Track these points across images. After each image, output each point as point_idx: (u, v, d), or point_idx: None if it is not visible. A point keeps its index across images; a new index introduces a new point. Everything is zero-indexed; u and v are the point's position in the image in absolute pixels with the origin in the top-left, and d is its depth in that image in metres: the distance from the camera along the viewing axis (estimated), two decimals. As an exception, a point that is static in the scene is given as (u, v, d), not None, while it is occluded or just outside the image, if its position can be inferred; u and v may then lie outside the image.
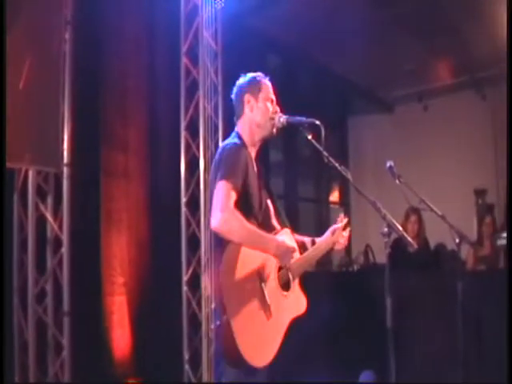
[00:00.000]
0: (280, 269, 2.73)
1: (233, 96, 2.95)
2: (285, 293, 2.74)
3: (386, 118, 9.76)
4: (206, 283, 2.61)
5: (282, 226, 2.89)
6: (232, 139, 2.84)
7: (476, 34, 6.93)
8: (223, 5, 5.60)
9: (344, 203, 9.67)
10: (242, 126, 2.89)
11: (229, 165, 2.64)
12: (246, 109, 2.87)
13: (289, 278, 2.77)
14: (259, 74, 2.96)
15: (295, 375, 4.69)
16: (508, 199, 3.79)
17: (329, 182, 9.57)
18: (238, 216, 2.55)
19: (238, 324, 2.44)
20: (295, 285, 2.83)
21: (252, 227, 2.61)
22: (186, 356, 5.33)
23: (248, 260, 2.57)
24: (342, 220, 3.03)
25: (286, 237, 2.81)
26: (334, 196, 9.80)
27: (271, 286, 2.66)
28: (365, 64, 7.84)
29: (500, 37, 6.28)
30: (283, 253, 2.68)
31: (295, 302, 2.83)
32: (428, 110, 9.20)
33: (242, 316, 2.48)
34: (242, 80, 2.95)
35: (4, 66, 3.76)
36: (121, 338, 5.01)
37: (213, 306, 2.53)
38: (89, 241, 4.81)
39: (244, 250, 2.55)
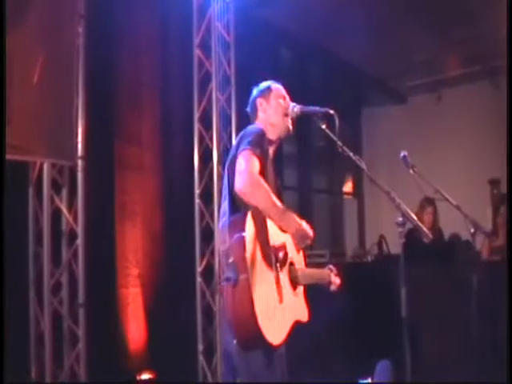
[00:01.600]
0: (291, 264, 2.70)
1: (248, 108, 2.98)
2: (292, 291, 2.70)
3: (400, 109, 9.70)
4: (226, 238, 2.46)
5: None
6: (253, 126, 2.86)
7: (489, 22, 6.84)
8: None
9: (358, 194, 9.64)
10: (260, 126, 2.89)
11: (253, 138, 2.62)
12: (259, 112, 2.90)
13: (297, 278, 2.74)
14: (270, 81, 2.98)
15: (311, 367, 4.69)
16: (508, 196, 3.77)
17: (342, 173, 9.53)
18: (264, 182, 2.51)
19: (256, 287, 2.34)
20: (301, 291, 2.81)
21: (276, 199, 2.56)
22: (201, 347, 5.36)
23: (272, 233, 2.54)
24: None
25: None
26: (348, 187, 9.77)
27: (284, 274, 2.62)
28: (377, 54, 7.78)
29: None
30: (301, 235, 2.65)
31: (301, 306, 2.80)
32: (441, 100, 9.13)
33: (260, 282, 2.38)
34: (254, 91, 2.97)
35: (4, 66, 3.76)
36: (135, 329, 5.05)
37: (230, 260, 2.38)
38: (103, 233, 4.84)
39: (269, 222, 2.53)
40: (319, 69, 8.53)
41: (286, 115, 2.85)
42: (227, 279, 2.38)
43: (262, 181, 2.51)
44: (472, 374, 3.91)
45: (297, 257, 2.80)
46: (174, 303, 5.22)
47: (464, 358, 4.21)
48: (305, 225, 2.67)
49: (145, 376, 4.94)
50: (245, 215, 2.45)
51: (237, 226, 2.46)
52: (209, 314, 5.35)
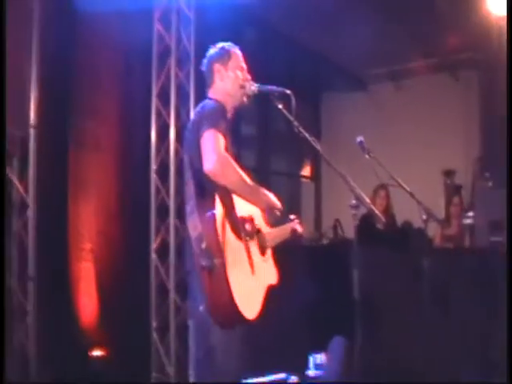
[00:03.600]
0: (258, 232, 2.73)
1: (203, 67, 2.93)
2: (262, 257, 2.76)
3: (360, 95, 9.75)
4: (197, 223, 2.47)
5: None
6: (208, 100, 2.82)
7: (451, 16, 6.93)
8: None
9: (315, 178, 9.69)
10: (213, 96, 2.86)
11: (214, 116, 2.62)
12: (216, 78, 2.85)
13: (265, 244, 2.78)
14: (229, 43, 2.93)
15: (267, 345, 4.71)
16: (508, 193, 3.84)
17: (301, 156, 9.55)
18: (232, 161, 2.53)
19: (231, 269, 2.39)
20: (269, 255, 2.85)
21: (246, 177, 2.60)
22: (154, 324, 5.32)
23: (240, 209, 2.57)
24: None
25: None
26: (306, 171, 9.81)
27: (253, 246, 2.67)
28: (339, 41, 7.79)
29: (475, 20, 6.31)
30: (271, 208, 2.71)
31: (270, 270, 2.85)
32: (401, 90, 9.23)
33: (234, 262, 2.43)
34: (211, 51, 2.93)
35: (4, 65, 3.66)
36: (87, 305, 4.97)
37: (203, 245, 2.39)
38: (56, 205, 4.74)
39: (236, 199, 2.55)
40: (281, 50, 8.48)
41: (243, 87, 2.83)
42: (202, 267, 2.40)
43: (230, 159, 2.53)
44: (421, 355, 3.99)
45: (264, 226, 2.84)
46: (127, 279, 5.16)
47: (413, 340, 4.29)
48: (273, 197, 2.75)
49: (96, 352, 4.89)
50: (212, 198, 2.46)
51: (206, 209, 2.46)
52: (163, 290, 5.30)
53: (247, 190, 2.60)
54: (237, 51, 2.91)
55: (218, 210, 2.44)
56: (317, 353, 4.22)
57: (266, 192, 2.72)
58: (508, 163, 4.34)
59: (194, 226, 2.49)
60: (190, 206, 2.61)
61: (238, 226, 2.55)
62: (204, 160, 2.50)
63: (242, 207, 2.62)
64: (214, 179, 2.49)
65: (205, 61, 2.92)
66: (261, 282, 2.68)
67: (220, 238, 2.39)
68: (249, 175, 2.96)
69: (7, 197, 4.23)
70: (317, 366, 3.24)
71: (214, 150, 2.49)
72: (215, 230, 2.39)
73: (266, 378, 2.60)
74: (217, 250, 2.37)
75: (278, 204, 2.74)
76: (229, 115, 2.86)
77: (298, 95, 2.77)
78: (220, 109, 2.70)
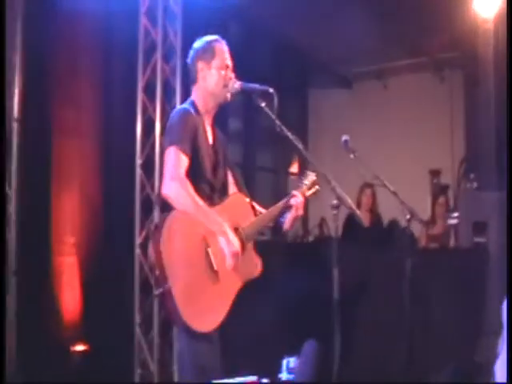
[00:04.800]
0: (235, 230, 2.70)
1: (188, 60, 2.91)
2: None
3: (345, 93, 9.77)
4: (150, 251, 2.55)
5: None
6: (184, 105, 2.83)
7: (437, 16, 6.95)
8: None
9: (302, 175, 9.68)
10: (196, 93, 2.86)
11: (175, 130, 2.65)
12: (199, 76, 2.83)
13: (242, 241, 2.73)
14: (215, 37, 2.89)
15: (245, 343, 4.71)
16: (508, 197, 3.85)
17: (288, 153, 9.53)
18: (188, 186, 2.55)
19: (179, 291, 2.45)
20: (249, 247, 2.80)
21: (200, 201, 2.58)
22: (138, 320, 5.29)
23: (193, 225, 2.56)
24: (307, 176, 3.02)
25: (240, 204, 2.82)
26: (293, 167, 9.80)
27: (220, 251, 2.62)
28: (325, 39, 7.81)
29: (460, 20, 6.33)
30: (225, 242, 2.62)
31: (248, 265, 2.79)
32: (387, 88, 9.26)
33: (184, 283, 2.47)
34: (197, 44, 2.89)
35: (4, 65, 3.63)
36: (70, 300, 4.94)
37: (156, 273, 2.50)
38: (38, 198, 4.68)
39: (189, 217, 2.55)
40: (267, 48, 8.49)
41: (226, 86, 2.81)
42: (157, 293, 2.54)
43: (185, 182, 2.55)
44: (402, 356, 4.00)
45: (244, 219, 2.80)
46: (111, 274, 5.13)
47: (395, 341, 4.30)
48: (231, 235, 2.64)
49: (79, 347, 4.86)
50: (161, 225, 2.50)
51: (154, 237, 2.52)
52: (146, 286, 5.27)
53: (200, 216, 2.57)
54: (223, 47, 2.87)
55: (166, 237, 2.46)
56: (290, 356, 4.22)
57: (220, 218, 2.64)
58: (508, 164, 4.35)
59: (149, 253, 2.59)
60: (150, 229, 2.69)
61: (196, 240, 2.56)
62: (162, 182, 2.58)
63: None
64: (169, 202, 2.55)
65: (190, 53, 2.89)
66: (228, 287, 2.66)
67: (166, 262, 2.43)
68: (235, 172, 2.97)
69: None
70: (289, 370, 3.25)
71: (170, 173, 2.55)
72: (160, 257, 2.44)
73: (237, 379, 2.59)
74: (164, 276, 2.44)
75: (230, 234, 2.63)
76: (211, 112, 2.87)
77: (284, 92, 2.76)
78: (186, 119, 2.70)
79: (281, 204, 2.93)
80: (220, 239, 2.62)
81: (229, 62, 2.86)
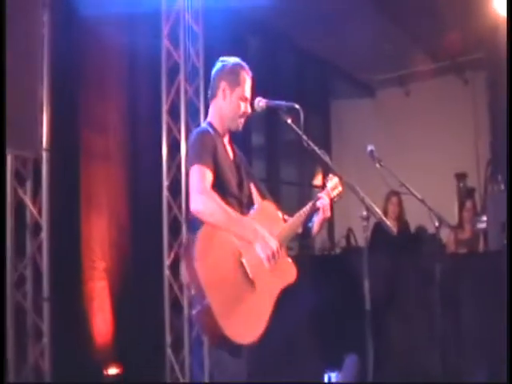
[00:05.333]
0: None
1: (212, 73, 2.91)
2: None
3: (368, 102, 9.76)
4: (184, 271, 2.56)
5: None
6: (202, 125, 2.88)
7: (458, 18, 6.93)
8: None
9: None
10: (212, 111, 2.89)
11: (198, 149, 2.66)
12: (220, 93, 2.84)
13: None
14: (242, 63, 2.90)
15: (278, 358, 4.70)
16: (508, 192, 3.82)
17: (312, 165, 9.54)
18: (216, 198, 2.55)
19: (219, 306, 2.43)
20: (282, 254, 2.78)
21: (230, 210, 2.59)
22: (168, 340, 5.33)
23: (224, 238, 2.56)
24: (331, 179, 3.02)
25: (270, 212, 2.83)
26: (317, 180, 9.79)
27: (254, 259, 2.62)
28: (347, 48, 7.82)
29: (481, 21, 6.30)
30: (261, 246, 2.62)
31: (283, 272, 2.77)
32: (410, 95, 9.22)
33: (223, 296, 2.46)
34: (226, 61, 2.90)
35: (4, 66, 3.70)
36: (102, 323, 4.99)
37: (192, 292, 2.49)
38: (69, 225, 4.76)
39: (219, 231, 2.55)
40: (289, 61, 8.53)
41: (241, 117, 2.85)
42: (194, 313, 2.50)
43: (213, 195, 2.55)
44: (436, 365, 3.96)
45: (275, 227, 2.78)
46: (141, 296, 5.18)
47: (427, 348, 4.26)
48: (266, 235, 2.65)
49: (112, 370, 4.89)
50: (192, 243, 2.49)
51: (187, 257, 2.52)
52: (176, 306, 5.31)
53: (232, 225, 2.58)
54: (247, 76, 2.87)
55: (200, 252, 2.46)
56: (331, 370, 4.24)
57: (254, 223, 2.67)
58: (508, 165, 4.31)
59: (183, 274, 2.57)
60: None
61: (230, 252, 2.56)
62: (190, 199, 2.56)
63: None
64: (200, 218, 2.54)
65: (216, 67, 2.90)
66: (266, 296, 2.65)
67: (202, 279, 2.43)
68: (259, 187, 2.99)
69: (21, 220, 4.27)
70: (332, 385, 3.26)
71: (197, 188, 2.54)
72: (196, 274, 2.43)
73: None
74: (202, 294, 2.43)
75: (266, 235, 2.64)
76: (228, 132, 2.89)
77: (306, 104, 2.78)
78: (204, 137, 2.72)
79: (308, 207, 2.91)
80: (256, 245, 2.61)
81: (249, 94, 2.87)
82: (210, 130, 2.79)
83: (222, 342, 2.47)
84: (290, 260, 2.82)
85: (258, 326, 2.57)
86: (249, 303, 2.56)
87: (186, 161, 2.75)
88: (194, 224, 2.60)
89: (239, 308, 2.52)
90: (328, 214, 2.94)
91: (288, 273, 2.80)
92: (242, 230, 2.60)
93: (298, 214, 2.90)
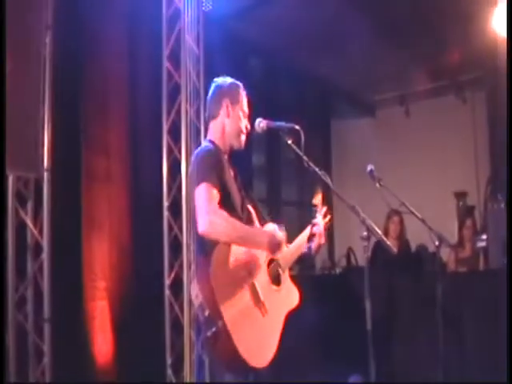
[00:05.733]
0: (269, 263, 2.73)
1: (209, 94, 2.95)
2: (276, 287, 2.74)
3: (369, 122, 9.80)
4: (197, 291, 2.53)
5: None
6: (205, 144, 2.88)
7: (456, 38, 6.99)
8: (210, 7, 5.61)
9: (327, 206, 9.66)
10: (214, 130, 2.90)
11: (205, 168, 2.65)
12: (222, 112, 2.87)
13: (279, 272, 2.78)
14: (238, 83, 2.95)
15: (279, 378, 4.68)
16: (508, 199, 3.83)
17: (312, 185, 9.52)
18: (225, 215, 2.53)
19: (235, 326, 2.42)
20: (286, 277, 2.83)
21: (239, 223, 2.61)
22: (169, 361, 5.30)
23: (237, 258, 2.56)
24: (320, 209, 3.13)
25: (274, 227, 2.82)
26: (317, 199, 9.79)
27: (263, 282, 2.65)
28: (347, 68, 7.88)
29: (479, 41, 6.35)
30: (275, 244, 2.64)
31: (288, 295, 2.82)
32: (409, 114, 9.27)
33: (238, 317, 2.45)
34: (222, 81, 2.94)
35: (4, 65, 3.72)
36: (103, 343, 4.96)
37: (206, 313, 2.45)
38: (70, 246, 4.76)
39: (232, 249, 2.54)
40: (289, 82, 8.58)
41: (242, 133, 2.88)
42: (209, 336, 2.43)
43: (221, 214, 2.53)
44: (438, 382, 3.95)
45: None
46: (141, 316, 5.15)
47: (429, 368, 4.24)
48: (272, 230, 2.69)
49: (112, 390, 4.88)
50: (208, 258, 2.47)
51: (203, 274, 2.49)
52: (177, 326, 5.29)
53: (245, 237, 2.59)
54: (244, 95, 2.93)
55: (215, 273, 2.45)
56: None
57: (265, 229, 2.71)
58: (507, 175, 4.32)
59: (196, 294, 2.52)
60: (192, 270, 2.66)
61: (243, 273, 2.57)
62: (197, 220, 2.52)
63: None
64: (209, 238, 2.52)
65: (213, 88, 2.94)
66: (275, 320, 2.67)
67: (219, 299, 2.40)
68: (257, 207, 3.00)
69: (22, 240, 4.27)
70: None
71: (205, 209, 2.51)
72: (212, 295, 2.40)
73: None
74: (217, 315, 2.40)
75: (279, 235, 2.67)
76: (228, 151, 2.90)
77: (306, 124, 2.81)
78: (211, 155, 2.72)
79: (306, 233, 3.01)
80: (270, 243, 2.62)
81: (247, 110, 2.92)
82: (214, 148, 2.81)
83: (235, 365, 2.46)
84: (292, 284, 2.86)
85: (270, 349, 2.59)
86: (261, 326, 2.58)
87: (191, 179, 2.72)
88: (202, 244, 2.60)
89: (253, 331, 2.52)
90: (323, 240, 3.04)
91: (293, 297, 2.85)
92: (255, 239, 2.62)
93: (298, 240, 2.97)
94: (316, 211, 3.14)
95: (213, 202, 2.55)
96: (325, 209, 3.14)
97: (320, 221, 3.07)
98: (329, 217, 3.16)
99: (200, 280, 2.51)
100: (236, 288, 2.51)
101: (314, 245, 3.02)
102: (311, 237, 3.01)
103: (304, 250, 3.01)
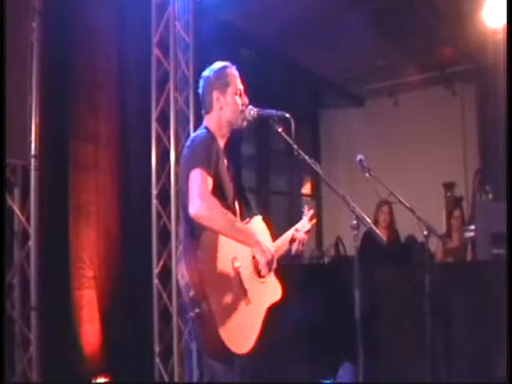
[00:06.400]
0: (254, 255, 2.72)
1: (200, 89, 2.93)
2: (260, 279, 2.75)
3: (357, 112, 9.82)
4: (184, 272, 2.52)
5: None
6: (200, 131, 2.85)
7: (445, 30, 7.00)
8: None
9: (316, 196, 9.70)
10: (209, 121, 2.88)
11: (201, 153, 2.63)
12: (216, 106, 2.85)
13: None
14: (225, 63, 2.92)
15: (268, 368, 4.70)
16: (507, 195, 3.84)
17: (301, 175, 9.57)
18: (218, 204, 2.53)
19: (219, 311, 2.44)
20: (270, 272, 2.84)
21: (232, 217, 2.62)
22: (157, 349, 5.29)
23: (225, 246, 2.57)
24: (307, 212, 3.16)
25: (261, 227, 2.86)
26: (306, 189, 9.82)
27: (247, 272, 2.67)
28: (336, 58, 7.87)
29: (469, 33, 6.37)
30: (260, 251, 2.64)
31: (271, 289, 2.84)
32: (398, 105, 9.28)
33: (222, 301, 2.48)
34: (208, 72, 2.91)
35: (4, 65, 3.69)
36: (90, 332, 4.94)
37: (191, 293, 2.45)
38: (57, 234, 4.72)
39: (221, 237, 2.55)
40: (278, 71, 8.56)
41: (243, 112, 2.84)
42: (192, 316, 2.46)
43: (215, 201, 2.53)
44: (425, 373, 3.98)
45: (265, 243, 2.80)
46: (130, 305, 5.15)
47: (417, 357, 4.27)
48: (264, 246, 2.68)
49: (100, 379, 4.85)
50: (198, 241, 2.49)
51: (191, 256, 2.51)
52: (165, 315, 5.29)
53: (233, 231, 2.58)
54: (234, 72, 2.89)
55: (204, 256, 2.47)
56: (326, 379, 4.25)
57: (253, 232, 2.69)
58: (508, 173, 4.34)
59: (182, 274, 2.52)
60: (179, 251, 2.66)
61: (229, 261, 2.59)
62: (189, 203, 2.50)
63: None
64: (200, 223, 2.50)
65: (202, 82, 2.92)
66: (258, 309, 2.71)
67: (205, 282, 2.43)
68: (247, 197, 3.00)
69: (9, 227, 4.23)
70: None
71: (198, 192, 2.50)
72: (200, 276, 2.43)
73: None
74: (203, 298, 2.41)
75: (267, 252, 2.66)
76: (225, 138, 2.89)
77: (296, 114, 2.80)
78: (209, 143, 2.71)
79: (289, 234, 3.05)
80: (255, 250, 2.64)
81: (241, 86, 2.89)
82: (210, 136, 2.79)
83: (216, 349, 2.47)
84: (276, 279, 2.88)
85: (250, 337, 2.61)
86: (243, 313, 2.59)
87: (184, 162, 2.71)
88: (192, 226, 2.59)
89: (236, 316, 2.54)
90: (302, 247, 3.08)
91: (275, 291, 2.88)
92: (243, 236, 2.62)
93: (282, 238, 3.01)
94: (303, 212, 3.19)
95: (207, 188, 2.54)
96: (311, 212, 3.17)
97: (305, 224, 3.12)
98: (314, 220, 3.19)
99: (188, 262, 2.52)
100: (222, 274, 2.53)
101: (293, 249, 3.06)
102: (292, 241, 3.05)
103: (286, 248, 3.03)
